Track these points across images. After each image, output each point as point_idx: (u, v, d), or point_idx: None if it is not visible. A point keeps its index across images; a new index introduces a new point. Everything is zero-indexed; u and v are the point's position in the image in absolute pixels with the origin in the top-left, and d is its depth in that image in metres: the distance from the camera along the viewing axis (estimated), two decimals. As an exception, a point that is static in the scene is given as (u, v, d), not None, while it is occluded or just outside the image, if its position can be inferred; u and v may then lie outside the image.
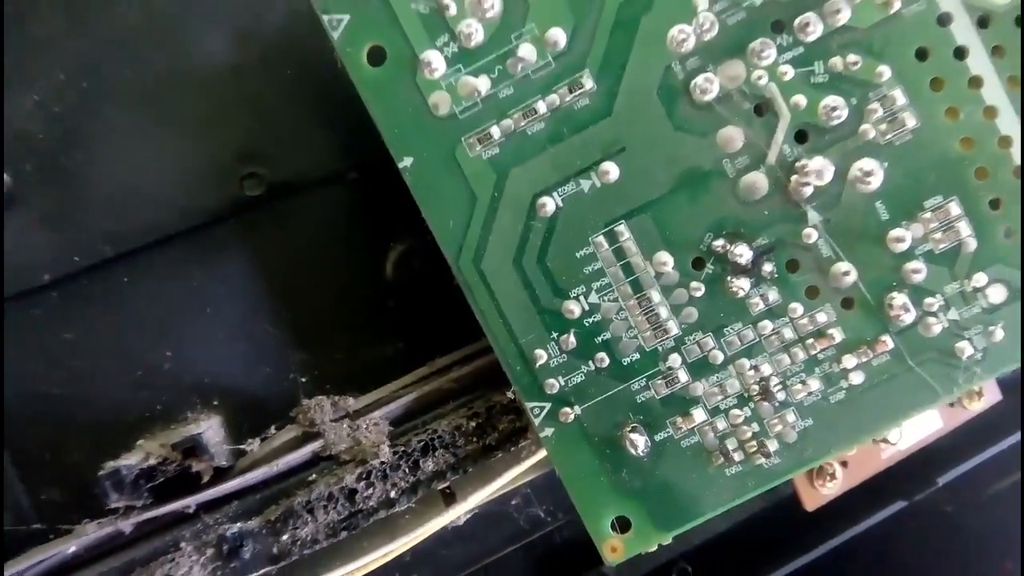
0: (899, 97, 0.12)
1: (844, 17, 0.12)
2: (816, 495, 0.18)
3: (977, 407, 0.19)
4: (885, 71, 0.12)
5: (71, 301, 0.14)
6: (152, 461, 0.12)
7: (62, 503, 0.13)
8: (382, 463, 0.12)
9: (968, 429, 0.19)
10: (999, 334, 0.12)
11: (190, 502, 0.12)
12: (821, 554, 0.19)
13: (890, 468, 0.19)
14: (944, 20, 0.12)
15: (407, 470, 0.13)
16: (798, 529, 0.19)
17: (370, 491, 0.12)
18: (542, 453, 0.13)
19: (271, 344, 0.14)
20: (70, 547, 0.12)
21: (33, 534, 0.13)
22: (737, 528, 0.20)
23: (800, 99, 0.12)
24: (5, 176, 0.14)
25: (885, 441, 0.17)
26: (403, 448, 0.13)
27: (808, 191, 0.12)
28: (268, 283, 0.15)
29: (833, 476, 0.18)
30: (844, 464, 0.18)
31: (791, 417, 0.13)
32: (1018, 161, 0.12)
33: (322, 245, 0.15)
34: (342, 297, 0.15)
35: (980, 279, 0.12)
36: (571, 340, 0.13)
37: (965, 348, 0.12)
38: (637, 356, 0.13)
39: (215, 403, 0.14)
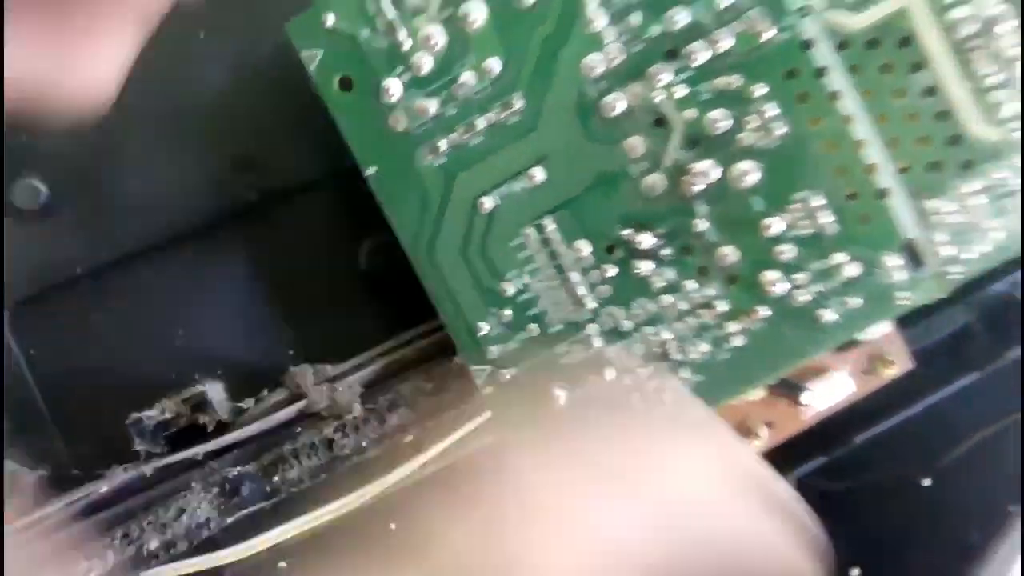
0: (771, 110, 0.14)
1: (726, 45, 0.14)
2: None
3: (890, 373, 0.21)
4: (759, 89, 0.14)
5: (100, 290, 0.17)
6: (167, 415, 0.15)
7: (94, 454, 0.16)
8: (354, 418, 0.15)
9: (884, 393, 0.22)
10: (855, 302, 0.15)
11: (199, 450, 0.15)
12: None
13: (812, 428, 0.21)
14: (807, 45, 0.14)
15: (376, 424, 0.15)
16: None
17: (345, 441, 0.15)
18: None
19: (265, 324, 0.17)
20: (102, 487, 0.15)
21: (71, 478, 0.16)
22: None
23: (691, 113, 0.14)
24: (43, 188, 0.17)
25: (798, 403, 0.20)
26: (372, 406, 0.15)
27: (697, 189, 0.15)
28: (263, 273, 0.18)
29: (757, 436, 0.21)
30: (769, 425, 0.21)
31: (686, 374, 0.15)
32: (869, 160, 0.15)
33: (308, 240, 0.17)
34: (325, 284, 0.17)
35: (839, 258, 0.15)
36: (507, 314, 0.15)
37: (825, 314, 0.15)
38: (561, 327, 0.15)
39: (219, 372, 0.17)
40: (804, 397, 0.20)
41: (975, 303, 0.22)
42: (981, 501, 0.23)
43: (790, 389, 0.20)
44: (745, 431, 0.21)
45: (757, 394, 0.20)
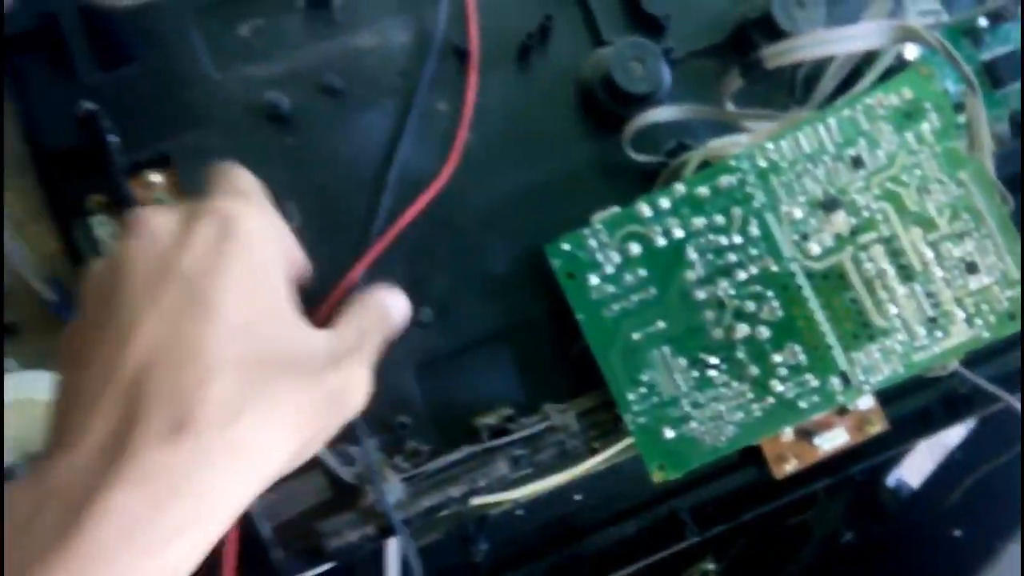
0: (774, 302, 0.30)
1: (754, 271, 0.30)
2: (781, 470, 0.36)
3: (872, 430, 0.35)
4: (769, 293, 0.30)
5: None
6: (497, 422, 0.32)
7: (447, 439, 0.34)
8: (572, 431, 0.31)
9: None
10: (816, 399, 0.30)
11: (506, 440, 0.32)
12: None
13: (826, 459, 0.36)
14: (792, 274, 0.30)
15: (581, 434, 0.32)
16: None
17: (573, 442, 0.32)
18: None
19: (525, 379, 0.34)
20: (452, 455, 0.32)
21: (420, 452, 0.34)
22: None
23: (735, 302, 0.30)
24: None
25: (813, 444, 0.35)
26: (581, 424, 0.32)
27: (739, 337, 0.30)
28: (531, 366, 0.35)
29: (788, 461, 0.35)
30: (795, 456, 0.36)
31: (734, 424, 0.31)
32: (823, 331, 0.30)
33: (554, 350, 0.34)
34: (562, 366, 0.34)
35: (808, 376, 0.30)
36: (641, 390, 0.32)
37: (799, 402, 0.30)
38: (667, 398, 0.31)
39: (509, 405, 0.34)
40: (816, 440, 0.35)
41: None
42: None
43: (808, 435, 0.35)
44: (780, 458, 0.36)
45: (788, 436, 0.35)
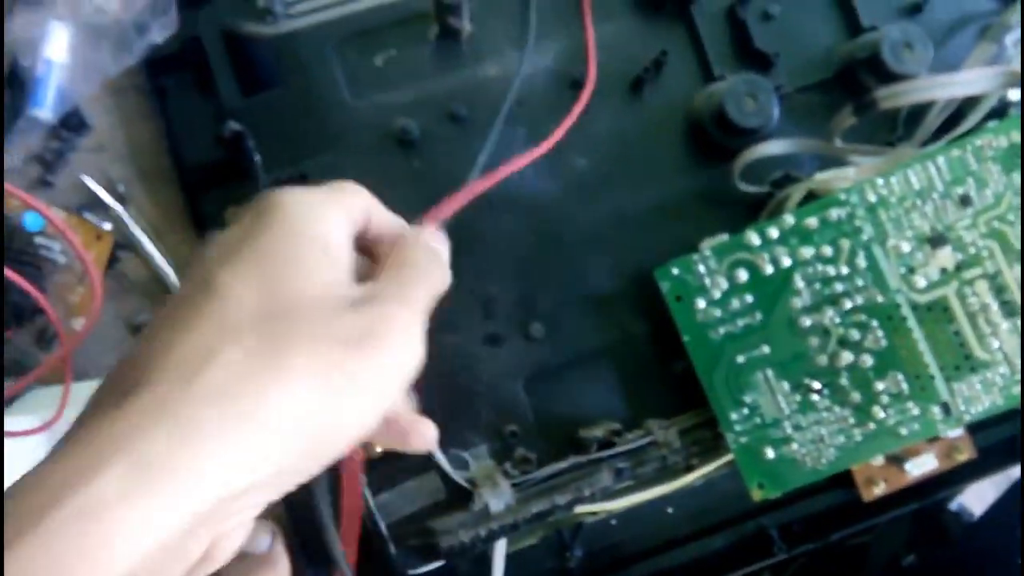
0: (878, 332, 0.31)
1: (859, 301, 0.31)
2: (870, 493, 0.37)
3: (961, 458, 0.36)
4: (873, 323, 0.31)
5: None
6: (603, 435, 0.33)
7: (555, 449, 0.35)
8: (673, 446, 0.33)
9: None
10: (916, 426, 0.31)
11: (609, 452, 0.33)
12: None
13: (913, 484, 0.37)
14: (897, 305, 0.31)
15: (683, 449, 0.33)
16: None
17: (674, 457, 0.33)
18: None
19: (626, 397, 0.36)
20: (560, 464, 0.34)
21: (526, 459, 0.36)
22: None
23: (840, 329, 0.32)
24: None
25: (903, 470, 0.36)
26: (682, 441, 0.33)
27: (843, 364, 0.32)
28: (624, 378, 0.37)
29: (877, 485, 0.36)
30: (885, 480, 0.37)
31: (832, 449, 0.32)
32: (925, 361, 0.31)
33: (660, 370, 0.36)
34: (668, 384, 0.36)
35: (910, 404, 0.31)
36: (744, 411, 0.33)
37: (900, 429, 0.31)
38: (769, 421, 0.33)
39: (617, 422, 0.36)
40: (906, 466, 0.36)
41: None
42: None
43: (898, 460, 0.36)
44: (869, 481, 0.37)
45: (879, 460, 0.36)
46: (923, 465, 0.36)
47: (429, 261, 0.25)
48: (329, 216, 0.23)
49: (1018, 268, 0.31)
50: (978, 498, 0.58)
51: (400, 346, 0.21)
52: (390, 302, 0.22)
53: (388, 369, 0.21)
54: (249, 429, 0.18)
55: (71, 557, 0.16)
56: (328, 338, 0.20)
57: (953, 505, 0.58)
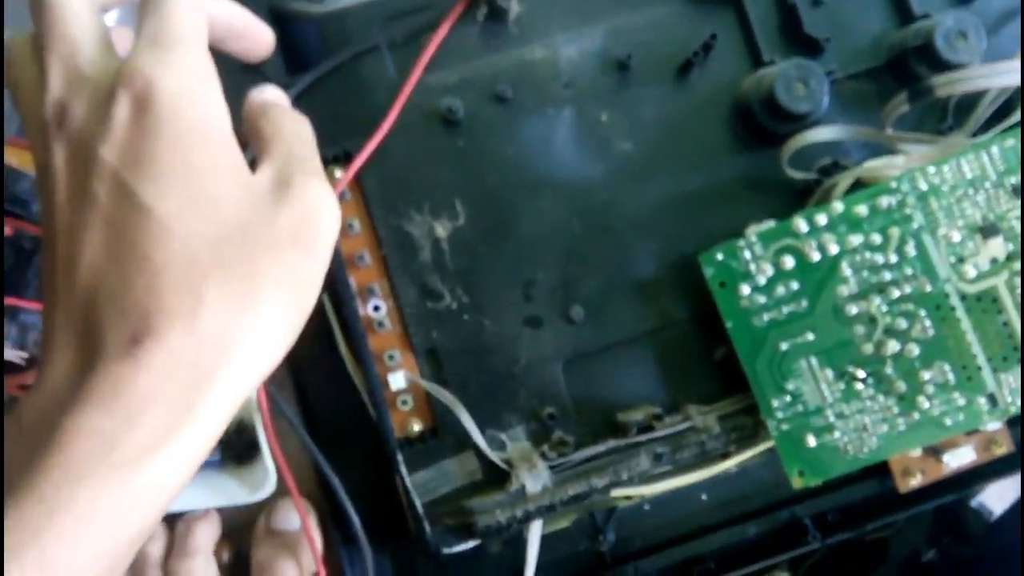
0: (926, 321, 0.31)
1: (907, 290, 0.31)
2: (906, 484, 0.36)
3: (999, 451, 0.36)
4: (921, 312, 0.31)
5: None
6: (644, 420, 0.33)
7: (594, 431, 0.35)
8: (713, 433, 0.33)
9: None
10: (960, 417, 0.31)
11: (649, 435, 0.33)
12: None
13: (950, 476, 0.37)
14: (946, 294, 0.31)
15: (723, 436, 0.33)
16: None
17: (712, 443, 0.33)
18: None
19: (666, 383, 0.36)
20: (599, 447, 0.34)
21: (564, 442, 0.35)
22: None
23: (887, 318, 0.31)
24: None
25: (940, 461, 0.35)
26: (722, 427, 0.33)
27: (889, 352, 0.31)
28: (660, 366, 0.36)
29: (915, 476, 0.36)
30: (922, 471, 0.36)
31: (873, 439, 0.32)
32: (972, 351, 0.31)
33: (698, 353, 0.36)
34: (707, 371, 0.35)
35: (955, 395, 0.31)
36: (786, 398, 0.33)
37: (946, 419, 0.31)
38: (812, 408, 0.32)
39: (657, 405, 0.36)
40: (944, 457, 0.36)
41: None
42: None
43: (936, 452, 0.36)
44: (906, 472, 0.37)
45: (916, 452, 0.36)
46: (961, 457, 0.35)
47: (295, 120, 0.25)
48: (210, 95, 0.22)
49: (1070, 260, 0.30)
50: (998, 496, 0.58)
51: (329, 221, 0.23)
52: (300, 182, 0.22)
53: (328, 246, 0.23)
54: (248, 366, 0.20)
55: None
56: (276, 245, 0.21)
57: (973, 502, 0.58)
